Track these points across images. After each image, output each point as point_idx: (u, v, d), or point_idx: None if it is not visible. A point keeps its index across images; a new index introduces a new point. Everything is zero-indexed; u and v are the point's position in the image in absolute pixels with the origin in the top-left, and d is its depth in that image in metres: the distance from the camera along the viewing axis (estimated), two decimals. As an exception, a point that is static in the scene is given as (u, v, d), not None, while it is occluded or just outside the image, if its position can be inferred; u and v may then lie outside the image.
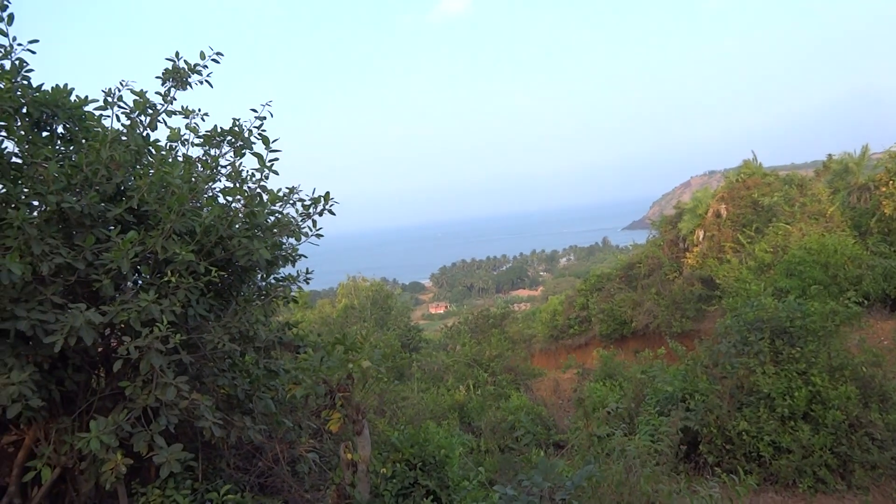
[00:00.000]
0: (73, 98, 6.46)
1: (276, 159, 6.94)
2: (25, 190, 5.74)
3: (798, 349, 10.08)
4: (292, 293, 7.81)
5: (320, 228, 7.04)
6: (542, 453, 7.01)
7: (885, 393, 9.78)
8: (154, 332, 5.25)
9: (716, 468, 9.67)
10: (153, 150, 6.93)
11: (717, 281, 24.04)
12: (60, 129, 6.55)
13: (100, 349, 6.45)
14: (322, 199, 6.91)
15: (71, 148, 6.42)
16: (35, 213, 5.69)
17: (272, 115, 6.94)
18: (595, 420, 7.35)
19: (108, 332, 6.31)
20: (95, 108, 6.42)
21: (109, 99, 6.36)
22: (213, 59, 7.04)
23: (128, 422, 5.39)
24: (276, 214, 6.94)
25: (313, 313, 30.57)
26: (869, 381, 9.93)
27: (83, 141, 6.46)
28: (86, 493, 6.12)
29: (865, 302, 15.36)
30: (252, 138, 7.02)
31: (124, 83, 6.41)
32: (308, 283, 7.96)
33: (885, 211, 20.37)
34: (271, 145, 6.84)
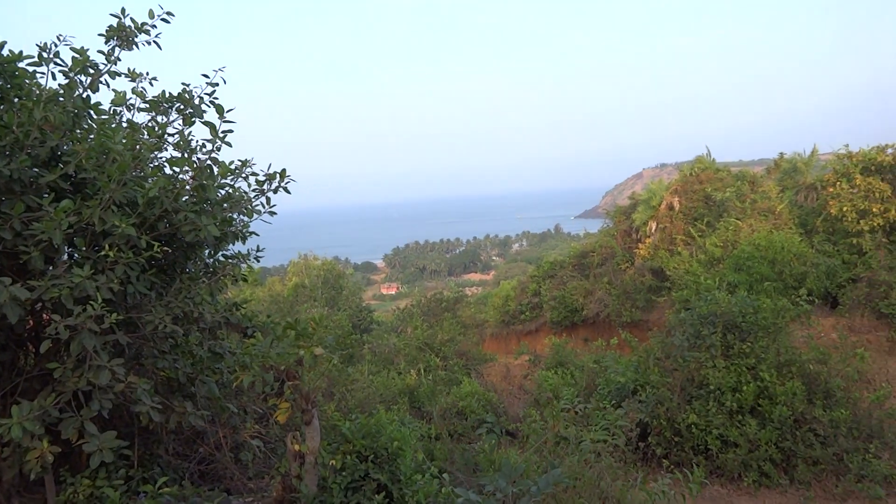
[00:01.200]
0: (4, 52, 5.92)
1: (231, 131, 6.53)
2: (-52, 150, 5.23)
3: (748, 344, 10.19)
4: (241, 271, 7.44)
5: (274, 205, 6.68)
6: (494, 442, 6.86)
7: (830, 390, 9.97)
8: (87, 311, 4.84)
9: (664, 460, 9.73)
10: (93, 114, 6.44)
11: (668, 273, 24.40)
12: (-10, 86, 6.00)
13: (29, 324, 5.99)
14: (278, 175, 6.54)
15: (1, 107, 5.88)
16: (-44, 176, 5.19)
17: (225, 82, 6.52)
18: (560, 419, 7.24)
19: (39, 306, 5.85)
20: (29, 64, 5.89)
21: (45, 55, 5.84)
22: (163, 19, 6.57)
23: (56, 406, 4.99)
24: (227, 188, 6.54)
25: (263, 291, 29.88)
26: (815, 377, 10.12)
27: (15, 100, 5.94)
28: (9, 480, 5.68)
29: (816, 301, 15.76)
30: (203, 106, 6.60)
31: (62, 38, 5.89)
32: (259, 262, 7.61)
33: (831, 211, 20.89)
34: (225, 115, 6.43)
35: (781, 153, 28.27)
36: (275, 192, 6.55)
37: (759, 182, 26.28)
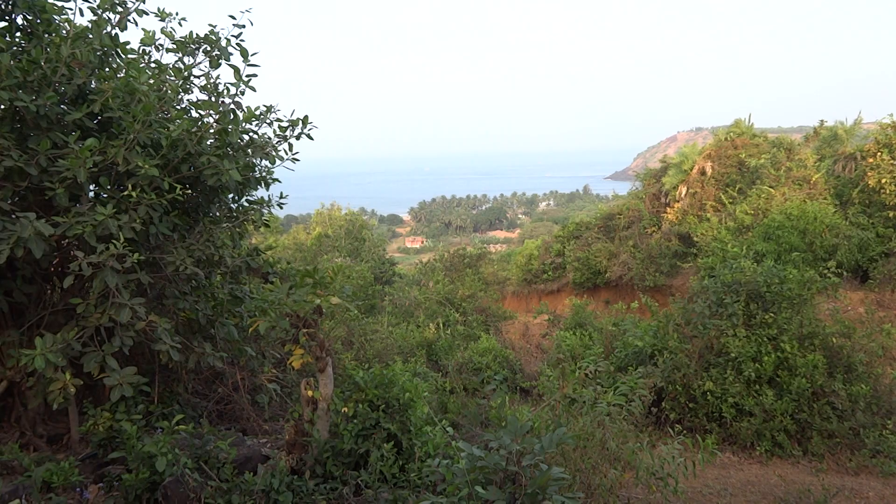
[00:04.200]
0: (34, -14, 5.90)
1: (255, 75, 6.49)
2: (-24, 83, 5.26)
3: (771, 315, 10.05)
4: (264, 217, 7.49)
5: (297, 152, 6.67)
6: (502, 398, 6.93)
7: (852, 364, 9.83)
8: (110, 249, 4.92)
9: (677, 425, 9.73)
10: (121, 53, 6.42)
11: (695, 239, 24.07)
12: (20, 20, 6.00)
13: (56, 260, 6.11)
14: (300, 122, 6.50)
15: (30, 42, 5.89)
16: (-17, 110, 5.25)
17: (252, 24, 6.43)
18: (570, 381, 7.26)
19: (65, 243, 5.96)
20: (58, -1, 5.85)
21: (72, -11, 5.79)
22: (192, -42, 6.47)
23: (79, 340, 5.12)
24: (251, 134, 6.54)
25: (287, 239, 30.17)
26: (837, 351, 9.97)
27: (45, 36, 5.93)
28: (34, 409, 5.89)
29: (845, 274, 15.45)
30: (229, 49, 6.54)
31: (89, -27, 5.84)
32: (282, 208, 7.64)
33: (869, 182, 20.31)
34: (250, 59, 6.38)
35: (822, 121, 27.42)
36: (297, 138, 6.53)
37: (796, 150, 25.56)
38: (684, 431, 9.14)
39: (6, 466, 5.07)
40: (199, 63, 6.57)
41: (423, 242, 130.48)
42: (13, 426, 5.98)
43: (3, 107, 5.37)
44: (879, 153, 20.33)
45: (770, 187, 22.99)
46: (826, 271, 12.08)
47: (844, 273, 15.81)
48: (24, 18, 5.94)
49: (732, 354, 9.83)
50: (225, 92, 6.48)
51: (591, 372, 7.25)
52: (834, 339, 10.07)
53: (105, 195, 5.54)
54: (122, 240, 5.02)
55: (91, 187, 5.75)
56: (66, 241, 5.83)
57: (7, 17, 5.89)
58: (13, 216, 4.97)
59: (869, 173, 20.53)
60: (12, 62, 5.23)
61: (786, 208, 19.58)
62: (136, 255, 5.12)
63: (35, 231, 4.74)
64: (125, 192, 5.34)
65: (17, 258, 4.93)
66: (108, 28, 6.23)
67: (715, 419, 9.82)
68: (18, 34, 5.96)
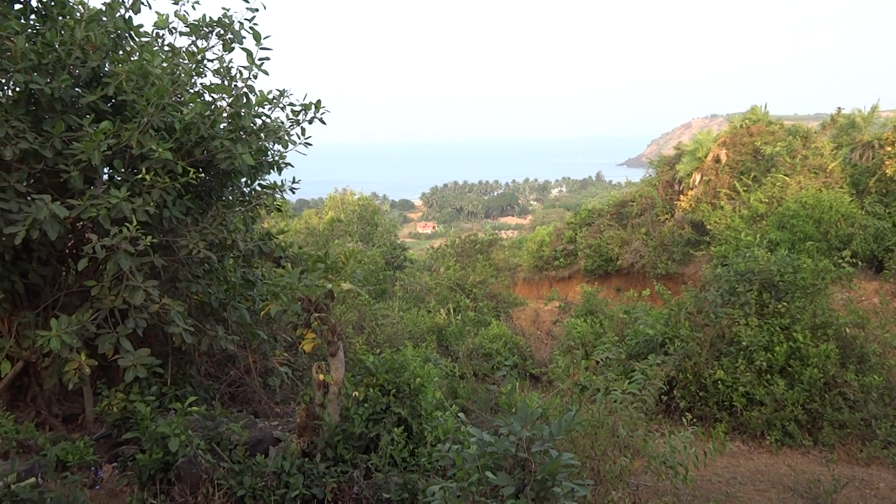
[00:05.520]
0: (48, -31, 5.90)
1: (268, 58, 6.48)
2: (-8, 66, 5.29)
3: (784, 304, 9.98)
4: (276, 201, 7.52)
5: (309, 137, 6.67)
6: (512, 385, 6.94)
7: (865, 355, 9.76)
8: (124, 232, 4.95)
9: (687, 413, 9.72)
10: (135, 36, 6.43)
11: (709, 227, 23.89)
12: (34, 3, 6.02)
13: (70, 242, 6.17)
14: (313, 106, 6.49)
15: (44, 25, 5.91)
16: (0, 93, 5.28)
17: (265, 7, 6.40)
18: (582, 368, 7.27)
19: (80, 225, 6.02)
20: (71, -18, 5.85)
21: (85, -28, 5.79)
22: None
23: (93, 322, 5.18)
24: (264, 118, 6.54)
25: (299, 223, 30.24)
26: (850, 341, 9.90)
27: (59, 18, 5.95)
28: (49, 389, 5.98)
29: (860, 264, 15.30)
30: (243, 32, 6.53)
31: (103, -44, 5.83)
32: (294, 193, 7.66)
33: (887, 171, 20.06)
34: (263, 42, 6.36)
35: (839, 108, 27.04)
36: (310, 122, 6.53)
37: (813, 138, 25.23)
38: (694, 420, 9.15)
39: (22, 445, 5.15)
40: (213, 46, 6.57)
41: (434, 228, 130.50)
42: (29, 406, 6.07)
43: (18, 89, 5.41)
44: (897, 142, 20.08)
45: (785, 175, 22.75)
46: (840, 261, 11.97)
47: (859, 263, 15.66)
48: (39, 1, 5.96)
49: (744, 343, 9.78)
50: (238, 75, 6.47)
51: (602, 359, 7.24)
52: (847, 330, 9.99)
53: (119, 178, 5.58)
54: (135, 223, 5.05)
55: (105, 170, 5.79)
56: (81, 223, 5.89)
57: (22, 0, 5.91)
58: (28, 198, 5.02)
59: (886, 162, 20.29)
60: (27, 45, 5.25)
61: (801, 197, 19.38)
62: (149, 238, 5.16)
63: (50, 213, 4.78)
64: (139, 176, 5.37)
65: (33, 240, 4.98)
66: (122, 11, 6.24)
67: (725, 408, 9.79)
68: (33, 17, 5.99)
